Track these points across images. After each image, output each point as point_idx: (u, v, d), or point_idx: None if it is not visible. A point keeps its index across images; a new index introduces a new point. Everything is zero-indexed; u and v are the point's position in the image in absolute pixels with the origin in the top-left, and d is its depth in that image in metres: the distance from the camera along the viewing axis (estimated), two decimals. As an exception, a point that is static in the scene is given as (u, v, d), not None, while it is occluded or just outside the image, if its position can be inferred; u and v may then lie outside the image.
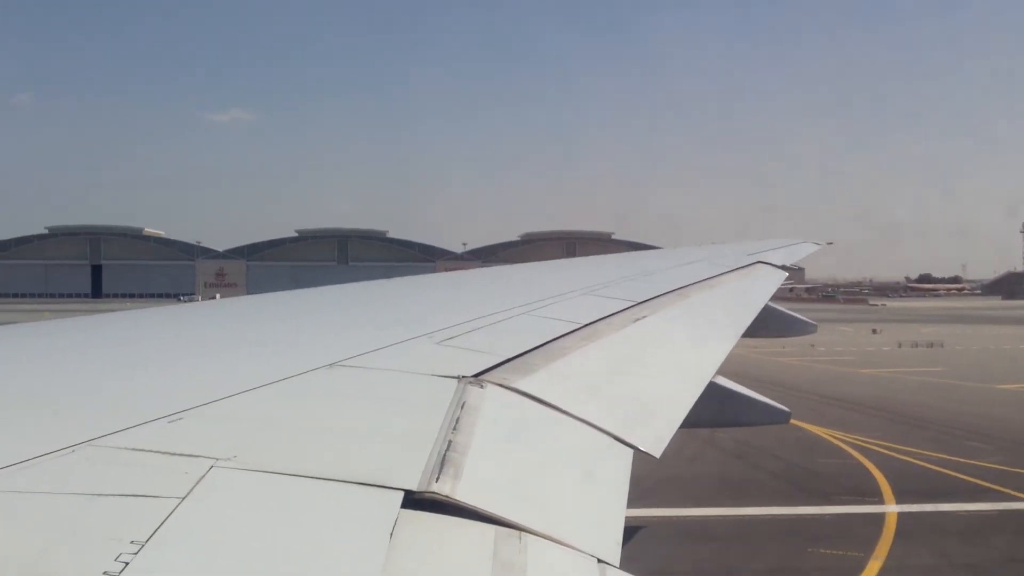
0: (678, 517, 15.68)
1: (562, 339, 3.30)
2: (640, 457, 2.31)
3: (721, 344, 4.21)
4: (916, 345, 57.08)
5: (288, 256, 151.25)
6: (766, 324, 6.20)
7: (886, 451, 21.70)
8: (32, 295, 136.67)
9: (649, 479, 16.12)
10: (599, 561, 1.59)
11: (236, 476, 1.55)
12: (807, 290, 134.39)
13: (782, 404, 4.80)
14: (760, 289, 6.68)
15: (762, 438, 21.79)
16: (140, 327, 3.68)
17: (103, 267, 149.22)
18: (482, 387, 2.37)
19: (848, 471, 19.77)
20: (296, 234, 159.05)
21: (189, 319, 3.96)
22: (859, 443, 22.76)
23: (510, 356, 2.79)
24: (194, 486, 1.46)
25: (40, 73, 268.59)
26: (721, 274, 6.76)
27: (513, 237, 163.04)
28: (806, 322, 7.71)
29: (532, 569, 1.45)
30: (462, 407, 2.14)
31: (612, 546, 1.68)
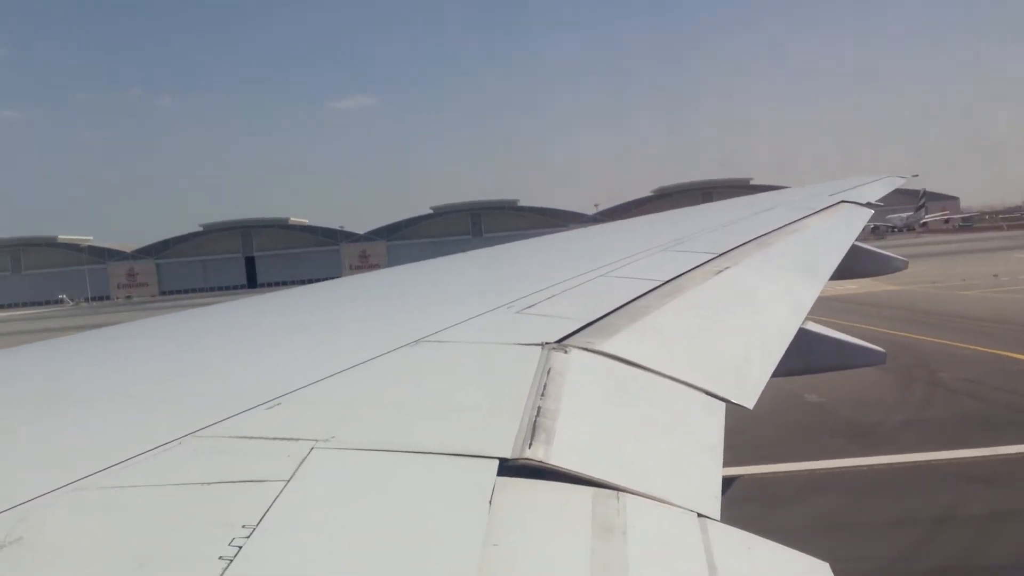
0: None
1: (643, 298, 3.26)
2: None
3: (808, 289, 4.10)
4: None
5: (425, 233, 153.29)
6: (856, 264, 6.01)
7: None
8: (193, 290, 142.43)
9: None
10: (699, 516, 1.58)
11: (336, 455, 1.59)
12: (945, 220, 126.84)
13: None
14: (845, 229, 6.46)
15: (994, 377, 19.77)
16: (232, 317, 3.81)
17: (255, 258, 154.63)
18: (566, 352, 2.36)
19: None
20: (431, 211, 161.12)
21: (278, 306, 4.08)
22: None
23: (592, 319, 2.78)
24: (297, 468, 1.51)
25: (176, 76, 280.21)
26: (804, 217, 6.57)
27: (646, 193, 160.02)
28: (897, 259, 7.46)
29: (632, 527, 1.45)
30: (548, 373, 2.14)
31: (711, 500, 1.67)
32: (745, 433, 15.69)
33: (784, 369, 2.88)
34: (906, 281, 45.03)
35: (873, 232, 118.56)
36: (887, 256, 7.38)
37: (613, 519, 1.47)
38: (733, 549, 1.50)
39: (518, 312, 2.92)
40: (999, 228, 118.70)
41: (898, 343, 24.90)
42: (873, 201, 8.21)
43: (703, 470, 1.86)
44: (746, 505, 11.75)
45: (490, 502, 1.43)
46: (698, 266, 4.10)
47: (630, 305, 3.10)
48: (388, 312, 3.52)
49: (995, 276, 46.37)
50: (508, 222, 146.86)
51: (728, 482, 1.87)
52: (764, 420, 16.67)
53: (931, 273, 49.06)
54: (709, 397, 2.30)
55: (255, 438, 1.67)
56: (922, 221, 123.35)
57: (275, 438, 1.67)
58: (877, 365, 4.59)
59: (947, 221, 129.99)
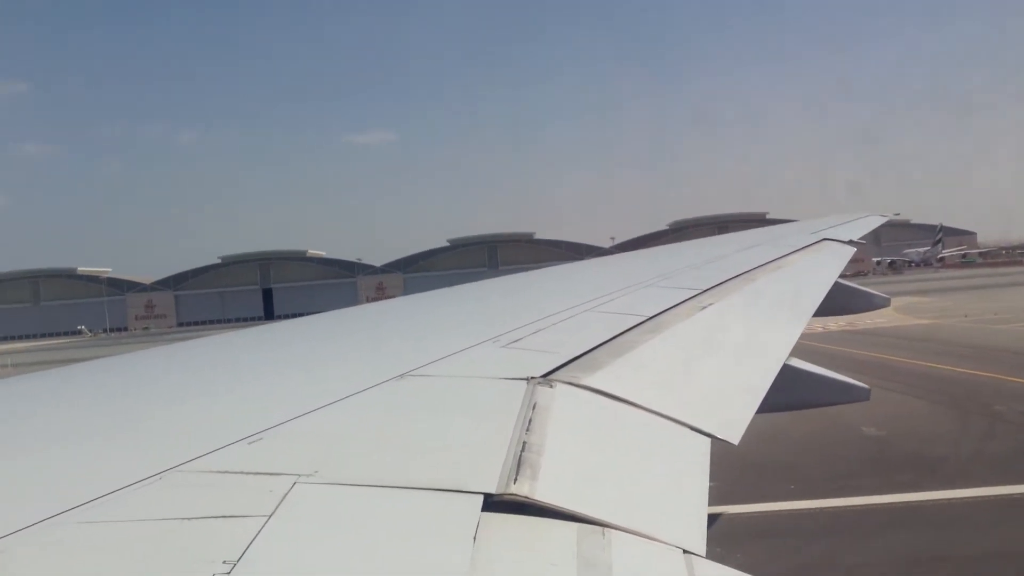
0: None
1: (628, 333, 3.27)
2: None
3: (792, 326, 4.13)
4: None
5: (442, 265, 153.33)
6: (838, 301, 6.05)
7: None
8: (211, 321, 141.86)
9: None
10: (684, 552, 1.57)
11: (319, 491, 1.58)
12: (939, 259, 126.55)
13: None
14: (827, 267, 6.53)
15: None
16: (215, 351, 3.79)
17: (273, 290, 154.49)
18: (551, 387, 2.36)
19: None
20: (448, 243, 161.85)
21: (262, 340, 4.05)
22: None
23: (577, 354, 2.78)
24: (279, 503, 1.49)
25: (196, 110, 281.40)
26: (786, 255, 6.63)
27: (662, 226, 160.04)
28: (879, 296, 7.53)
29: (617, 563, 1.44)
30: (533, 408, 2.14)
31: (697, 536, 1.66)
32: (811, 467, 15.38)
33: (769, 405, 2.88)
34: (936, 315, 45.33)
35: (891, 267, 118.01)
36: (869, 293, 7.45)
37: (598, 555, 1.46)
38: None
39: (504, 346, 2.92)
40: (1019, 263, 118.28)
41: (947, 377, 24.98)
42: (855, 239, 8.31)
43: (688, 505, 1.85)
44: (831, 538, 11.70)
45: (474, 538, 1.41)
46: (682, 302, 4.12)
47: (616, 340, 3.11)
48: (375, 346, 3.51)
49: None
50: (524, 255, 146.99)
51: (712, 518, 1.87)
52: (830, 453, 16.43)
53: (960, 307, 49.27)
54: (694, 432, 2.29)
55: (237, 472, 1.66)
56: (939, 256, 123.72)
57: (257, 472, 1.65)
58: (861, 402, 4.60)
59: (964, 256, 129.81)
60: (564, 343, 2.95)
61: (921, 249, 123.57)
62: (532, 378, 2.42)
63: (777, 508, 13.29)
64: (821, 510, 13.06)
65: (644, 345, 3.11)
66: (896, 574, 10.69)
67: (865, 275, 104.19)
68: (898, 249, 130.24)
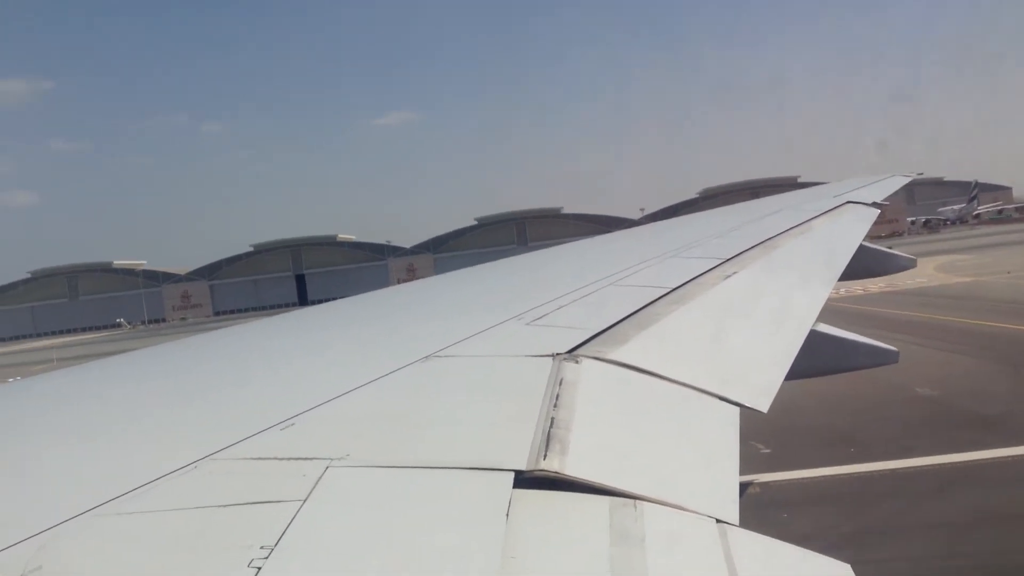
0: None
1: (652, 305, 3.26)
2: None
3: (817, 291, 4.09)
4: None
5: (471, 244, 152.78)
6: (864, 264, 5.99)
7: None
8: (246, 309, 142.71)
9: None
10: (718, 521, 1.57)
11: (352, 473, 1.60)
12: (975, 215, 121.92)
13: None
14: (852, 230, 6.45)
15: None
16: (243, 339, 3.82)
17: (305, 276, 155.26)
18: (577, 362, 2.36)
19: None
20: (476, 222, 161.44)
21: (289, 327, 4.09)
22: None
23: (602, 329, 2.78)
24: (313, 487, 1.51)
25: (221, 100, 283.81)
26: (810, 219, 6.56)
27: (692, 195, 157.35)
28: (905, 257, 7.45)
29: (650, 535, 1.45)
30: (560, 383, 2.14)
31: (729, 505, 1.66)
32: (867, 429, 15.11)
33: (797, 371, 2.87)
34: (977, 272, 44.51)
35: (925, 226, 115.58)
36: (895, 255, 7.38)
37: (631, 527, 1.47)
38: (753, 553, 1.49)
39: (528, 324, 2.92)
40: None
41: (997, 334, 24.58)
42: (879, 200, 8.20)
43: (720, 475, 1.85)
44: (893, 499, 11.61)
45: (507, 515, 1.43)
46: (706, 271, 4.09)
47: (640, 313, 3.10)
48: (399, 328, 3.53)
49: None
50: (553, 230, 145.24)
51: (743, 486, 1.86)
52: (886, 415, 16.22)
53: (1000, 263, 48.35)
54: (722, 402, 2.29)
55: (271, 459, 1.68)
56: (975, 213, 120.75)
57: (290, 458, 1.67)
58: (890, 364, 4.56)
59: (1000, 211, 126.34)
60: (588, 318, 2.94)
61: (956, 207, 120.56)
62: (558, 354, 2.42)
63: (839, 472, 13.14)
64: (883, 472, 12.92)
65: (669, 317, 3.10)
66: (965, 530, 10.57)
67: (900, 235, 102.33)
68: (932, 208, 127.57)
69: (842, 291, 37.11)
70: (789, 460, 13.38)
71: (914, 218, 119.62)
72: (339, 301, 5.08)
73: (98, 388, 2.95)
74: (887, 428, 15.52)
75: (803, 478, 12.96)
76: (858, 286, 37.67)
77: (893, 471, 12.94)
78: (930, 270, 48.34)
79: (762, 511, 11.16)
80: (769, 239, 5.37)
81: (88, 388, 2.98)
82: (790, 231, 5.88)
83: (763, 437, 14.29)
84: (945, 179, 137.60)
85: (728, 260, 4.47)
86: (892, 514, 11.38)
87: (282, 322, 4.51)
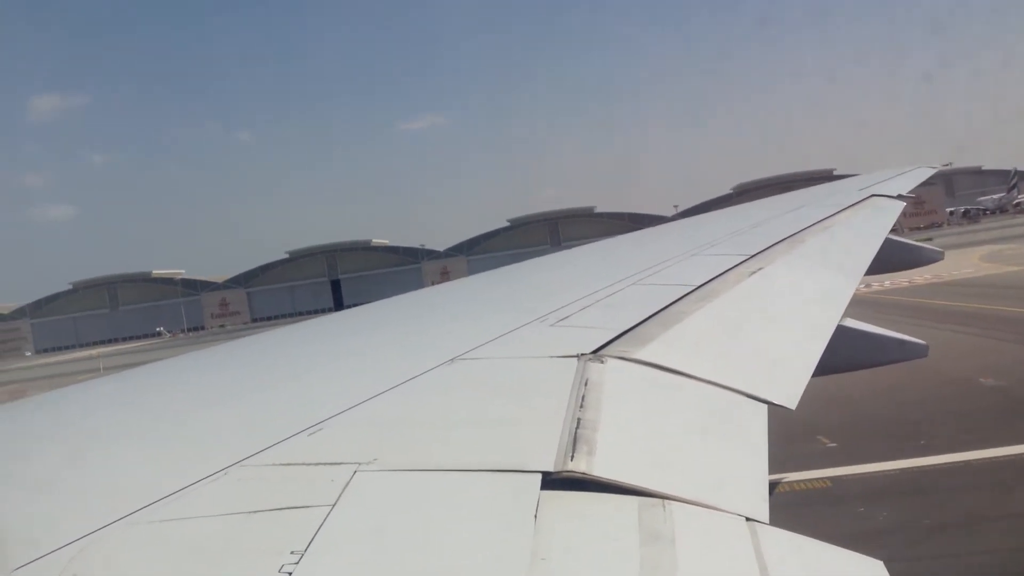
0: None
1: (677, 304, 3.24)
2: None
3: (844, 285, 4.05)
4: None
5: (504, 246, 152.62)
6: (890, 257, 5.92)
7: None
8: (283, 316, 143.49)
9: None
10: (747, 520, 1.56)
11: (380, 478, 1.60)
12: (1015, 204, 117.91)
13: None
14: (877, 223, 6.38)
15: None
16: (270, 346, 3.86)
17: (340, 281, 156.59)
18: (603, 362, 2.36)
19: None
20: (508, 223, 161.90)
21: (315, 333, 4.12)
22: None
23: (627, 328, 2.77)
24: (342, 492, 1.52)
25: (252, 109, 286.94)
26: (834, 214, 6.50)
27: (726, 191, 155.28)
28: (932, 250, 7.34)
29: (680, 535, 1.44)
30: (586, 384, 2.14)
31: (759, 503, 1.65)
32: (934, 422, 14.76)
33: (826, 367, 2.84)
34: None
35: (964, 216, 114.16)
36: (921, 248, 7.27)
37: (660, 527, 1.46)
38: (784, 552, 1.48)
39: (552, 325, 2.91)
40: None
41: None
42: (904, 193, 8.10)
43: (749, 473, 1.83)
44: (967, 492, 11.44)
45: (535, 516, 1.42)
46: (731, 268, 4.06)
47: (665, 311, 3.09)
48: (424, 331, 3.54)
49: None
50: (586, 229, 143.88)
51: (773, 484, 1.85)
52: (951, 409, 15.93)
53: None
54: (750, 400, 2.27)
55: (299, 464, 1.69)
56: (1015, 201, 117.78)
57: (319, 463, 1.68)
58: (920, 358, 4.50)
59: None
60: (612, 318, 2.93)
61: (995, 196, 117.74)
62: (583, 355, 2.42)
63: (906, 465, 12.92)
64: (953, 464, 12.67)
65: (694, 315, 3.08)
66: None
67: (939, 226, 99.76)
68: (971, 198, 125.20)
69: (887, 283, 36.84)
70: (857, 454, 13.14)
71: (953, 208, 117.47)
72: (365, 306, 5.11)
73: (129, 397, 2.99)
74: (954, 420, 15.21)
75: (872, 472, 12.65)
76: (904, 278, 37.25)
77: (967, 463, 12.68)
78: (975, 260, 47.50)
79: (837, 506, 10.99)
80: (793, 234, 5.33)
81: (119, 397, 3.02)
82: (814, 226, 5.82)
83: (828, 432, 14.10)
84: (983, 168, 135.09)
85: (752, 256, 4.44)
86: (972, 506, 11.18)
87: (308, 328, 4.54)
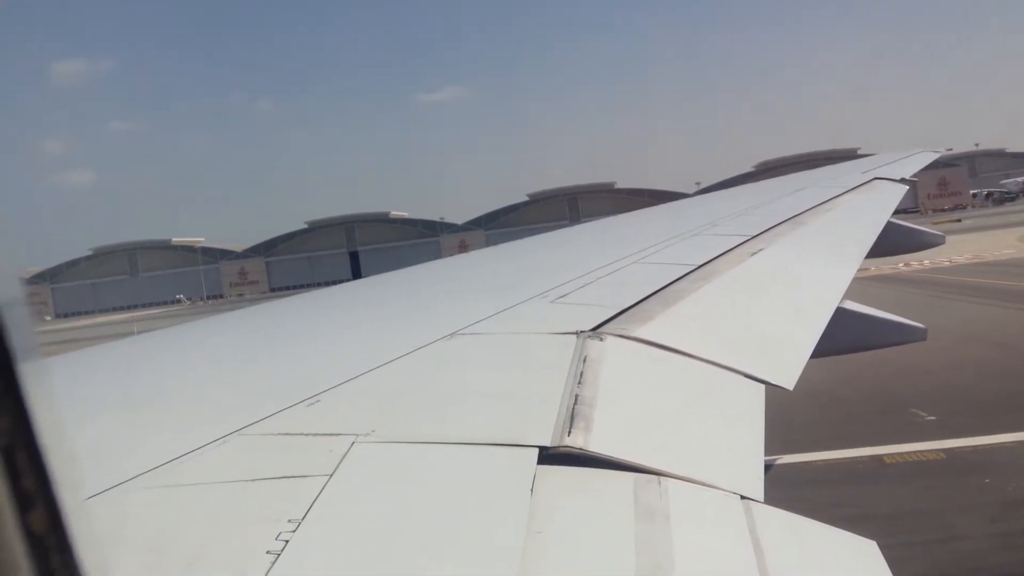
0: None
1: (677, 283, 3.24)
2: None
3: (845, 268, 4.05)
4: None
5: (523, 220, 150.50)
6: (892, 240, 5.91)
7: None
8: (301, 286, 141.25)
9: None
10: (742, 498, 1.57)
11: (377, 449, 1.61)
12: (987, 195, 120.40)
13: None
14: (880, 206, 6.37)
15: None
16: (272, 316, 3.86)
17: (359, 252, 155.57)
18: (602, 340, 2.36)
19: None
20: (528, 198, 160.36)
21: (318, 304, 4.12)
22: None
23: (626, 306, 2.77)
24: (339, 463, 1.53)
25: (273, 78, 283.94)
26: (837, 196, 6.48)
27: (748, 168, 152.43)
28: (933, 233, 7.34)
29: (675, 511, 1.45)
30: (584, 361, 2.14)
31: (754, 481, 1.66)
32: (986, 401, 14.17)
33: (824, 349, 2.84)
34: None
35: (989, 198, 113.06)
36: (923, 231, 7.27)
37: (655, 504, 1.47)
38: (778, 530, 1.49)
39: (552, 302, 2.92)
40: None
41: None
42: (907, 176, 8.08)
43: (745, 452, 1.84)
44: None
45: (531, 490, 1.43)
46: (732, 249, 4.06)
47: (665, 290, 3.09)
48: (425, 306, 3.55)
49: None
50: (606, 205, 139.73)
51: (768, 465, 1.86)
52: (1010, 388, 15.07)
53: None
54: (748, 379, 2.28)
55: (297, 434, 1.70)
56: None
57: (317, 434, 1.69)
58: (917, 342, 4.51)
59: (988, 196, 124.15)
60: (612, 296, 2.94)
61: (1020, 178, 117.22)
62: (582, 332, 2.42)
63: (953, 445, 12.38)
64: (1002, 444, 12.13)
65: (694, 294, 3.08)
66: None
67: (964, 208, 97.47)
68: (995, 180, 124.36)
69: (926, 262, 36.19)
70: (960, 427, 12.58)
71: (977, 190, 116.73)
72: (368, 278, 5.11)
73: (133, 364, 3.00)
74: (1010, 399, 14.40)
75: (985, 444, 11.96)
76: (944, 257, 36.98)
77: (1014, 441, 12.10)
78: (1013, 241, 46.93)
79: (952, 477, 10.73)
80: (795, 216, 5.32)
81: (122, 364, 3.03)
82: (817, 208, 5.82)
83: (923, 404, 13.59)
84: (1007, 150, 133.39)
85: (754, 237, 4.44)
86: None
87: (312, 299, 4.55)
